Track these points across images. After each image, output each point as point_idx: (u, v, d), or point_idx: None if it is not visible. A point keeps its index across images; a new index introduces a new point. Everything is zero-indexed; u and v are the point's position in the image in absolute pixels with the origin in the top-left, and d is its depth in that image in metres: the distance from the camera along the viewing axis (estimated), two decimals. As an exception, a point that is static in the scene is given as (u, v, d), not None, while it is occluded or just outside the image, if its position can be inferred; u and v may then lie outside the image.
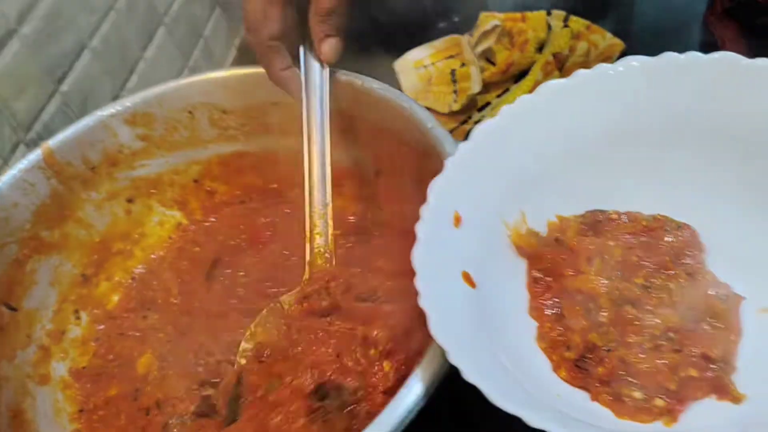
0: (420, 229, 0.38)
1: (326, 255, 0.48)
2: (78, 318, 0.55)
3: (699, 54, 0.40)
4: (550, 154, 0.43)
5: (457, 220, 0.40)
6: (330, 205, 0.48)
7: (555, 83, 0.42)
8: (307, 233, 0.48)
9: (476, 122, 0.70)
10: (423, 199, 0.40)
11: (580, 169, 0.44)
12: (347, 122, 0.54)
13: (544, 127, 0.43)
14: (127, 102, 0.55)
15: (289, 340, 0.44)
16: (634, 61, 0.41)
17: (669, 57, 0.41)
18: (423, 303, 0.34)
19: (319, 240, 0.48)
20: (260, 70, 0.53)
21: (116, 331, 0.54)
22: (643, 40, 0.70)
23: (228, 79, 0.56)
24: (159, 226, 0.59)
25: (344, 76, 0.53)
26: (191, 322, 0.52)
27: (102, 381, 0.52)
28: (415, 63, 0.76)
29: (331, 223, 0.48)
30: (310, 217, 0.48)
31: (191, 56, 0.77)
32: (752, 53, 0.55)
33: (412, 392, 0.35)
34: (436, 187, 0.40)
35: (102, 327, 0.55)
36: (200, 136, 0.58)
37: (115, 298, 0.57)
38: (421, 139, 0.49)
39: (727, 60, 0.39)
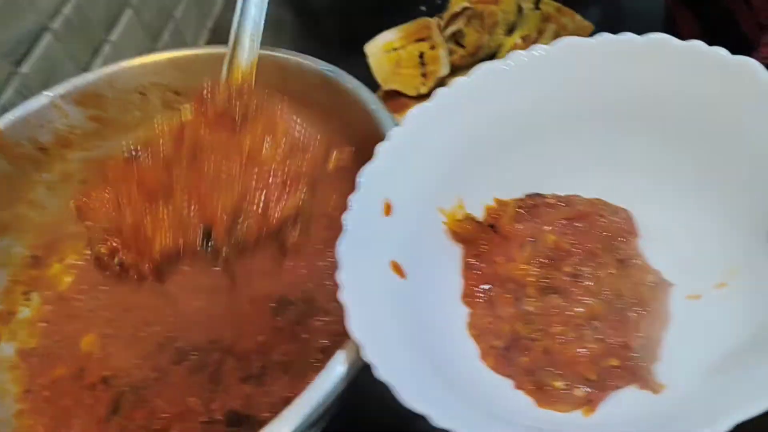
0: (347, 219, 0.37)
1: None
2: (28, 299, 0.55)
3: (632, 35, 0.39)
4: (486, 137, 0.42)
5: (388, 209, 0.39)
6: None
7: (489, 65, 0.41)
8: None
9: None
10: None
11: (518, 152, 0.43)
12: (296, 103, 0.53)
13: (480, 110, 0.41)
14: (76, 82, 0.55)
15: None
16: (569, 41, 0.40)
17: (604, 38, 0.39)
18: (343, 297, 0.34)
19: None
20: (214, 50, 0.53)
21: (65, 312, 0.54)
22: (614, 23, 0.69)
23: (179, 59, 0.55)
24: (113, 207, 0.59)
25: (292, 56, 0.52)
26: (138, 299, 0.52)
27: (48, 361, 0.52)
28: (385, 46, 0.74)
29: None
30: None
31: (160, 39, 0.76)
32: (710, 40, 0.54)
33: (333, 375, 0.35)
34: (365, 175, 0.39)
35: (51, 308, 0.54)
36: (154, 118, 0.57)
37: (68, 279, 0.56)
38: (365, 120, 0.48)
39: (658, 41, 0.38)
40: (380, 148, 0.39)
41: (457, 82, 0.41)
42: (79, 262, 0.57)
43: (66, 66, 0.65)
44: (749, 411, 0.28)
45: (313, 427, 0.36)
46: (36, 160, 0.55)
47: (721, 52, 0.37)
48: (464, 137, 0.42)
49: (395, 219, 0.39)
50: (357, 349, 0.34)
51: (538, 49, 0.40)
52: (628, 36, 0.39)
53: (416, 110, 0.41)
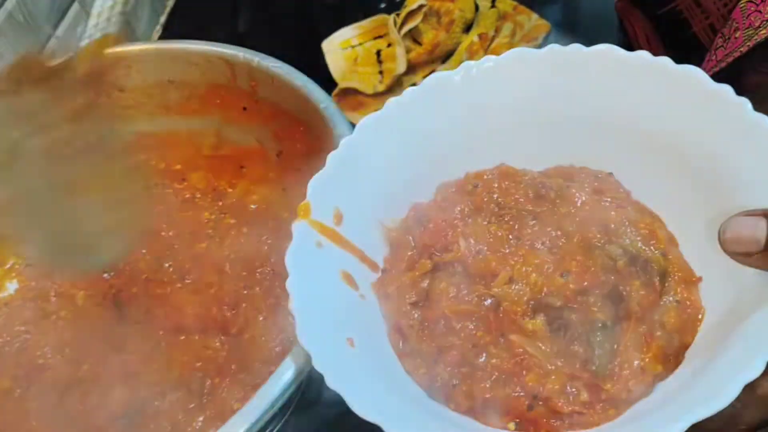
0: (296, 227, 0.36)
1: None
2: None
3: (580, 46, 0.39)
4: (436, 147, 0.41)
5: (338, 218, 0.38)
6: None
7: (442, 75, 0.40)
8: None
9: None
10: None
11: (468, 163, 0.42)
12: (246, 100, 0.52)
13: (430, 120, 0.41)
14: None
15: None
16: (518, 52, 0.40)
17: (552, 49, 0.39)
18: (292, 306, 0.33)
19: None
20: (158, 45, 0.51)
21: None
22: (570, 23, 0.69)
23: (121, 55, 0.53)
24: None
25: (242, 53, 0.51)
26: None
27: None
28: (342, 43, 0.73)
29: None
30: None
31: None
32: (660, 43, 0.54)
33: (282, 380, 0.35)
34: (315, 183, 0.37)
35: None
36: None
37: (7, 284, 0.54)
38: (315, 117, 0.47)
39: (605, 52, 0.38)
40: (330, 157, 0.38)
41: (408, 92, 0.40)
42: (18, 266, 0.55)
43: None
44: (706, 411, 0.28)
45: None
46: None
47: (666, 61, 0.37)
48: (414, 147, 0.41)
49: (345, 228, 0.38)
50: (305, 357, 0.34)
51: (489, 61, 0.40)
52: (575, 47, 0.39)
53: (367, 119, 0.40)
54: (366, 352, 0.35)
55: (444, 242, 0.38)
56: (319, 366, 0.31)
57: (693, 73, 0.36)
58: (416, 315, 0.37)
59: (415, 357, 0.36)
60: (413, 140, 0.41)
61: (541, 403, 0.33)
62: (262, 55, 0.51)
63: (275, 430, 0.41)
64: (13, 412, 0.46)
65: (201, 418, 0.43)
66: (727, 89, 0.35)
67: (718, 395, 0.28)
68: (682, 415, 0.28)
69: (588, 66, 0.39)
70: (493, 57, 0.40)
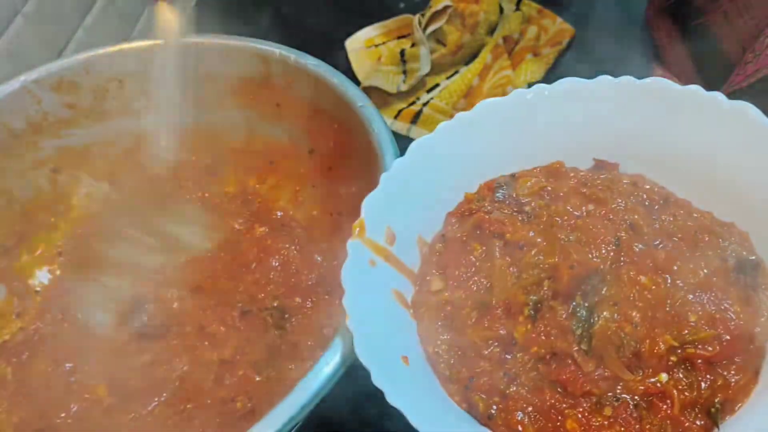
0: (351, 245, 0.37)
1: None
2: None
3: (632, 79, 0.40)
4: (485, 171, 0.42)
5: (391, 238, 0.38)
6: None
7: (494, 101, 0.42)
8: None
9: (425, 104, 0.68)
10: (353, 178, 0.38)
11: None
12: (280, 97, 0.53)
13: (480, 145, 0.42)
14: (51, 68, 0.53)
15: None
16: (570, 83, 0.41)
17: (602, 80, 0.41)
18: (349, 323, 0.34)
19: None
20: (195, 40, 0.52)
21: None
22: (594, 28, 0.69)
23: (158, 47, 0.54)
24: (87, 198, 0.57)
25: (278, 50, 0.52)
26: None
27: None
28: (366, 42, 0.74)
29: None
30: None
31: (136, 25, 0.74)
32: (688, 53, 0.55)
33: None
34: (369, 202, 0.38)
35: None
36: (132, 107, 0.56)
37: (37, 271, 0.55)
38: (351, 117, 0.48)
39: (658, 85, 0.39)
40: (384, 177, 0.39)
41: (459, 117, 0.41)
42: (47, 254, 0.55)
43: (38, 51, 0.63)
44: None
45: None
46: (6, 146, 0.53)
47: (719, 97, 0.38)
48: (463, 170, 0.42)
49: (397, 248, 0.38)
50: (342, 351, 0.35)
51: (540, 88, 0.41)
52: (627, 79, 0.40)
53: (420, 141, 0.41)
54: (420, 370, 0.35)
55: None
56: (378, 382, 0.32)
57: (745, 108, 0.37)
58: (447, 337, 0.36)
59: (449, 383, 0.36)
60: (463, 163, 0.42)
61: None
62: (299, 53, 0.51)
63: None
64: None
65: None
66: None
67: None
68: None
69: (640, 99, 0.40)
70: (546, 86, 0.41)
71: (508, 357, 0.34)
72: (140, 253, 0.53)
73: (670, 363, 0.32)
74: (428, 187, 0.40)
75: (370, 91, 0.69)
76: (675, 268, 0.34)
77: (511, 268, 0.36)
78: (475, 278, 0.37)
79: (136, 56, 0.54)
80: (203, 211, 0.56)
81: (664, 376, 0.32)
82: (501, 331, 0.35)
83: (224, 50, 0.53)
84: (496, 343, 0.35)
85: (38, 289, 0.54)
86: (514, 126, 0.41)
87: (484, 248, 0.37)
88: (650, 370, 0.32)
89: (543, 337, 0.34)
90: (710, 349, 0.31)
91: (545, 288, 0.34)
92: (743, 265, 0.34)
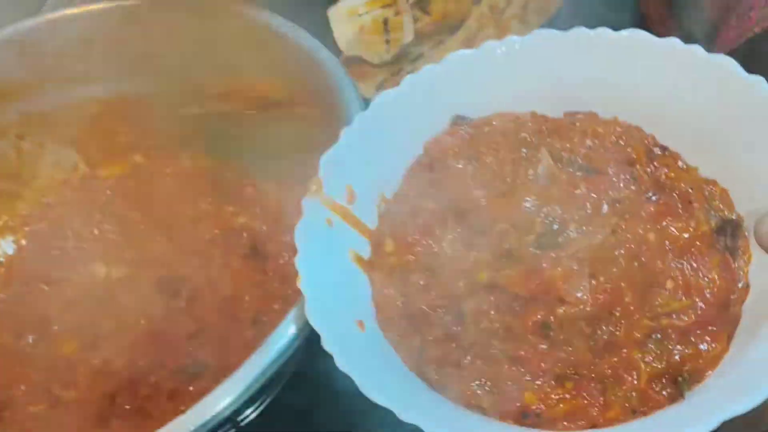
0: (307, 203, 0.35)
1: None
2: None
3: (608, 30, 0.39)
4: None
5: (351, 196, 0.37)
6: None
7: (463, 53, 0.40)
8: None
9: (409, 73, 0.67)
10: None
11: None
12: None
13: (448, 100, 0.40)
14: (15, 28, 0.51)
15: None
16: (543, 34, 0.40)
17: (579, 31, 0.39)
18: (301, 285, 0.32)
19: None
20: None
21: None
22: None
23: (130, 8, 0.52)
24: (53, 167, 0.55)
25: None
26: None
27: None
28: (349, 11, 0.72)
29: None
30: None
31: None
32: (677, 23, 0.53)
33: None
34: (328, 159, 0.36)
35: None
36: (100, 72, 0.54)
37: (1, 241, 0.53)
38: (323, 84, 0.46)
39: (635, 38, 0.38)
40: (344, 132, 0.37)
41: (426, 70, 0.39)
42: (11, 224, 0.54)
43: (7, 11, 0.60)
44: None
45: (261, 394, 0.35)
46: (-33, 110, 0.51)
47: (698, 50, 0.37)
48: (429, 125, 0.40)
49: (357, 207, 0.37)
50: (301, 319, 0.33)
51: (512, 41, 0.40)
52: (603, 30, 0.39)
53: (383, 96, 0.39)
54: (375, 336, 0.34)
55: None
56: (328, 346, 0.31)
57: (724, 61, 0.36)
58: (399, 303, 0.35)
59: (401, 351, 0.34)
60: (430, 117, 0.40)
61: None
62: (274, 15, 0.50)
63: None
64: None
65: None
66: (759, 80, 0.35)
67: (751, 392, 0.27)
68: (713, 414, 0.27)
69: (615, 50, 0.38)
70: (517, 38, 0.40)
71: (458, 329, 0.33)
72: None
73: (642, 337, 0.30)
74: (392, 143, 0.38)
75: (351, 61, 0.67)
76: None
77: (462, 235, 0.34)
78: (424, 242, 0.35)
79: (104, 18, 0.52)
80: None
81: (636, 354, 0.30)
82: (449, 301, 0.33)
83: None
84: (446, 312, 0.33)
85: (1, 259, 0.53)
86: (484, 78, 0.39)
87: (436, 208, 0.36)
88: (624, 352, 0.31)
89: (493, 313, 0.32)
90: (685, 318, 0.30)
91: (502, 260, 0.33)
92: (724, 226, 0.33)
